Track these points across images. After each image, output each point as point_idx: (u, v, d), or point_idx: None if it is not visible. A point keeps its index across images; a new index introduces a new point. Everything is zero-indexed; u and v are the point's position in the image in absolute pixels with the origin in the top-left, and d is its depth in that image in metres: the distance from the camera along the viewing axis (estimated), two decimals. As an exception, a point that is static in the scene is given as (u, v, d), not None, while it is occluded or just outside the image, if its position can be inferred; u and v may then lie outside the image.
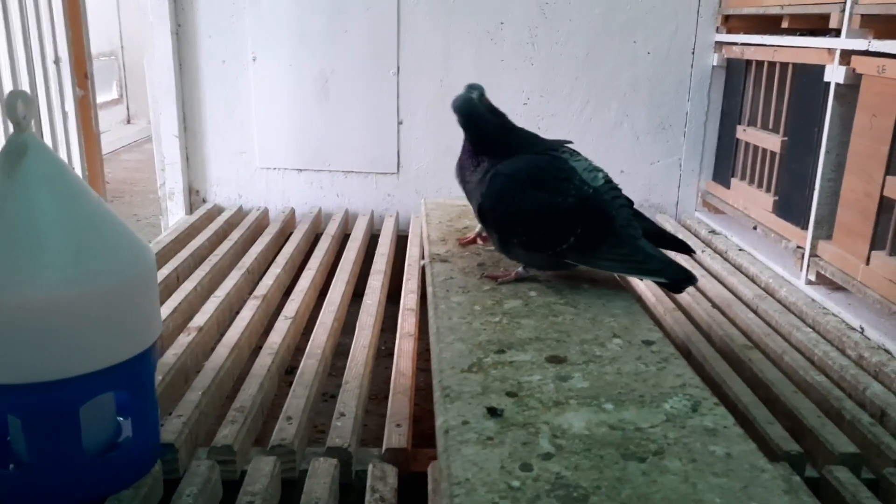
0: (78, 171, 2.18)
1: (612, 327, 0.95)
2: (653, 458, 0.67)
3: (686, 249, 1.21)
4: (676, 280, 1.08)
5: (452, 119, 2.39)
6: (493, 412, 0.75)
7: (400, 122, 2.33)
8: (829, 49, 1.67)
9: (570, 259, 1.08)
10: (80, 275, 0.90)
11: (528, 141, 1.15)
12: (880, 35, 1.53)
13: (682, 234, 2.20)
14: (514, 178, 1.08)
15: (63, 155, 2.12)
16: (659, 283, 1.11)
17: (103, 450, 0.99)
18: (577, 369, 0.84)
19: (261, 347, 1.44)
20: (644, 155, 2.39)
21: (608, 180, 1.12)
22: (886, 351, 1.41)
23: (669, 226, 2.30)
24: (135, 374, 0.98)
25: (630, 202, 1.14)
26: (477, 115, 1.13)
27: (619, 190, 1.13)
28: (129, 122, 5.12)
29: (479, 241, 1.31)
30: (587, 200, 1.06)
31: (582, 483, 0.64)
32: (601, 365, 0.85)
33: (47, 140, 2.10)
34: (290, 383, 1.30)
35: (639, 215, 1.14)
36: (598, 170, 1.13)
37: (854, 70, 1.59)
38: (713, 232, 2.21)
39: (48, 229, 0.90)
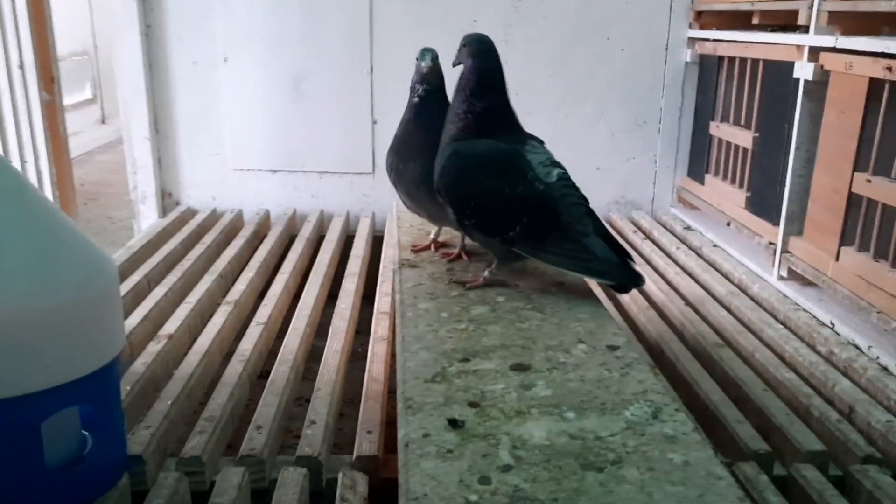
0: (46, 176, 2.15)
1: (578, 332, 0.95)
2: (611, 467, 0.67)
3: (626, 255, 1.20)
4: (621, 283, 1.09)
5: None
6: (454, 424, 0.75)
7: (374, 122, 2.32)
8: (797, 46, 1.68)
9: (518, 248, 1.10)
10: (40, 289, 0.89)
11: (511, 118, 1.17)
12: (847, 31, 1.54)
13: (657, 231, 2.21)
14: (470, 160, 1.10)
15: (31, 161, 2.10)
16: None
17: (67, 464, 0.98)
18: (540, 377, 0.84)
19: (233, 353, 1.43)
20: (620, 151, 2.40)
21: (563, 177, 1.12)
22: (856, 346, 1.42)
23: (645, 222, 2.30)
24: (98, 388, 0.97)
25: (585, 201, 1.13)
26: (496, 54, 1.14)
27: (575, 188, 1.13)
28: (103, 122, 5.05)
29: (433, 248, 1.30)
30: (534, 194, 1.08)
31: (539, 496, 0.64)
32: (565, 372, 0.85)
33: (13, 147, 2.08)
34: (263, 387, 1.29)
35: (592, 215, 1.14)
36: (556, 166, 1.13)
37: (822, 67, 1.60)
38: (688, 228, 2.22)
39: (6, 243, 0.88)
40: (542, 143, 1.19)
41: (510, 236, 1.08)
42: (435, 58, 1.22)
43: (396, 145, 1.27)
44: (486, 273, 1.15)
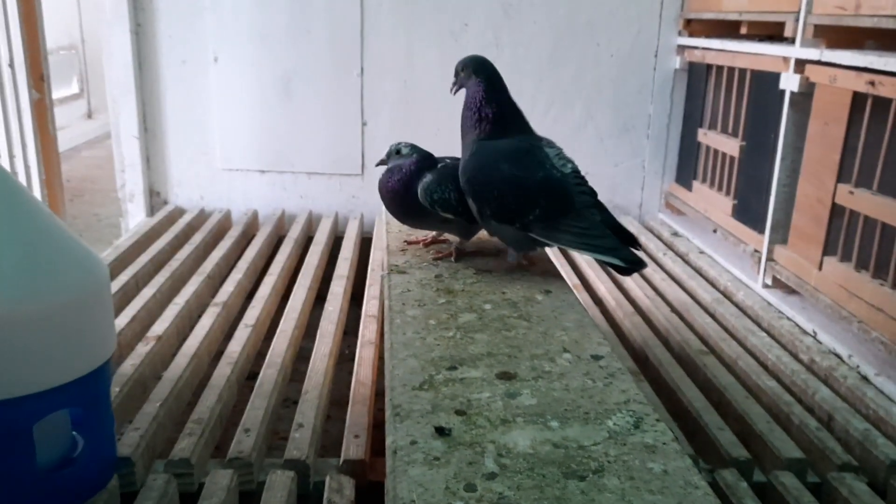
0: (35, 174, 2.15)
1: (563, 341, 0.97)
2: (592, 476, 0.69)
3: (634, 242, 1.28)
4: (628, 261, 1.15)
5: (417, 119, 2.38)
6: (441, 431, 0.76)
7: (364, 123, 2.33)
8: (784, 57, 1.70)
9: (534, 232, 1.17)
10: (32, 292, 0.90)
11: (522, 121, 1.26)
12: (832, 45, 1.56)
13: (644, 236, 2.23)
14: (492, 154, 1.20)
15: (19, 159, 2.09)
16: (610, 265, 1.19)
17: (57, 466, 0.99)
18: (526, 386, 0.85)
19: (221, 354, 1.44)
20: (608, 156, 2.42)
21: (576, 172, 1.21)
22: (836, 355, 1.45)
23: (633, 227, 2.32)
24: (89, 391, 0.98)
25: (594, 194, 1.22)
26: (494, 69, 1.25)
27: (586, 182, 1.22)
28: (90, 116, 5.01)
29: (422, 245, 1.34)
30: (552, 180, 1.17)
31: (523, 503, 0.65)
32: (550, 381, 0.86)
33: (2, 144, 2.07)
34: (252, 388, 1.30)
35: (600, 206, 1.21)
36: (569, 161, 1.22)
37: (808, 79, 1.62)
38: (675, 234, 2.24)
39: (-3, 247, 0.89)
40: (553, 143, 1.27)
41: (528, 220, 1.16)
42: (391, 154, 1.32)
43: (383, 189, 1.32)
44: (510, 258, 1.26)
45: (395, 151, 1.31)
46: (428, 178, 1.26)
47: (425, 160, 1.29)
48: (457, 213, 1.24)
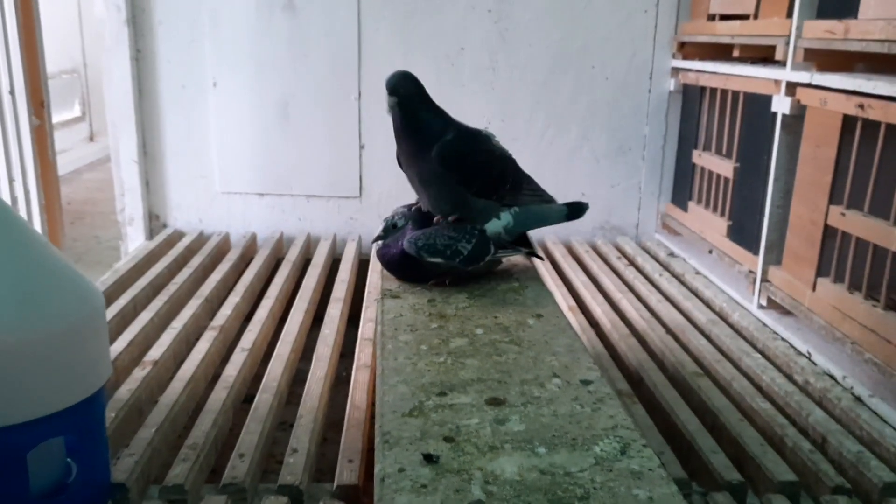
0: (34, 200, 2.17)
1: (553, 366, 0.97)
2: (578, 502, 0.69)
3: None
4: (572, 208, 1.41)
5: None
6: (429, 459, 0.77)
7: (362, 147, 2.35)
8: (775, 80, 1.72)
9: (507, 200, 1.33)
10: (26, 321, 0.91)
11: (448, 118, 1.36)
12: (823, 68, 1.58)
13: (641, 257, 2.23)
14: (470, 137, 1.32)
15: (19, 183, 2.11)
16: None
17: (51, 492, 0.99)
18: (514, 411, 0.86)
19: (218, 376, 1.45)
20: (604, 178, 2.43)
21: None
22: (831, 376, 1.45)
23: (629, 248, 2.33)
24: (84, 418, 0.99)
25: None
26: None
27: None
28: (91, 139, 5.05)
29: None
30: (508, 156, 1.37)
31: (509, 532, 0.66)
32: (538, 407, 0.87)
33: (2, 171, 2.09)
34: (248, 412, 1.31)
35: None
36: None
37: (799, 101, 1.64)
38: (672, 255, 2.25)
39: (-8, 275, 0.90)
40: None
41: (505, 190, 1.32)
42: (388, 230, 1.34)
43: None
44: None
45: (392, 226, 1.32)
46: (417, 233, 1.27)
47: (417, 225, 1.30)
48: (446, 257, 1.25)
